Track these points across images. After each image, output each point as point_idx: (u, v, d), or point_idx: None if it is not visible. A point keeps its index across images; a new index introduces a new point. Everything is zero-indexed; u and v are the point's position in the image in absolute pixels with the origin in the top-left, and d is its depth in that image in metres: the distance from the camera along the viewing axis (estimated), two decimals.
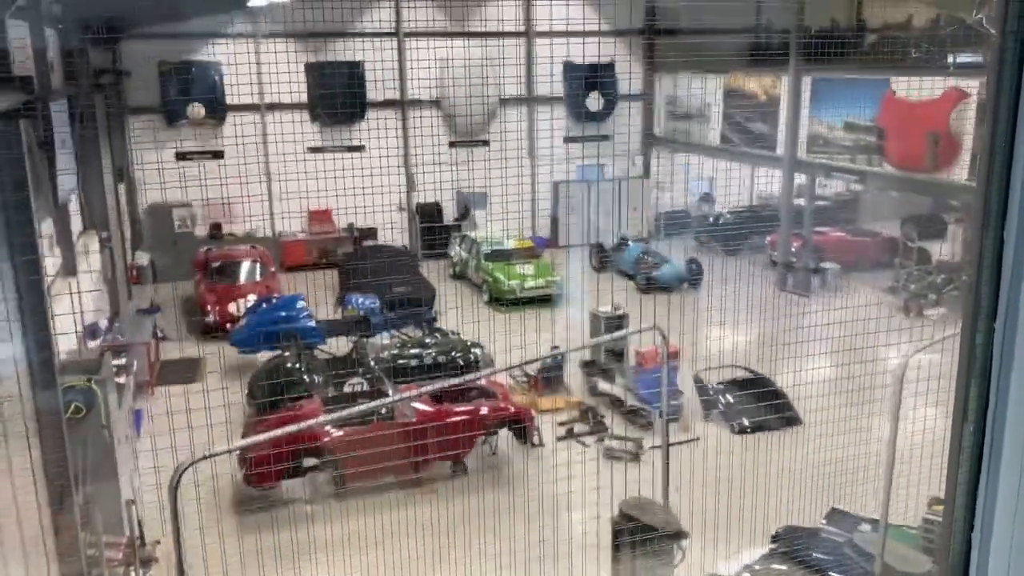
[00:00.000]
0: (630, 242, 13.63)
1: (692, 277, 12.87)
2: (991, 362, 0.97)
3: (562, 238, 15.28)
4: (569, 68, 15.08)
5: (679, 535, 4.68)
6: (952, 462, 1.01)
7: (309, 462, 7.63)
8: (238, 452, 7.42)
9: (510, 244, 13.05)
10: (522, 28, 14.72)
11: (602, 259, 13.59)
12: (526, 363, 9.26)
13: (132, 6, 10.89)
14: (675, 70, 15.32)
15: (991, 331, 0.96)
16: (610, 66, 15.25)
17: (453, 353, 9.67)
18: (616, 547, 4.82)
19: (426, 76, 13.99)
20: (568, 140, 15.04)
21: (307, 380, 8.91)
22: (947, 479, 1.02)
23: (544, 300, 12.28)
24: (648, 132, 16.27)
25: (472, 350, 9.70)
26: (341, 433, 7.72)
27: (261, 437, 6.11)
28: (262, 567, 5.88)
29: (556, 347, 9.28)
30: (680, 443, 8.01)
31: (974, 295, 0.96)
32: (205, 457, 3.69)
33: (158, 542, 5.56)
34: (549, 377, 9.68)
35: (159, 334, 10.79)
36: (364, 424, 7.74)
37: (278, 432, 5.80)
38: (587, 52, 13.93)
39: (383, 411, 8.00)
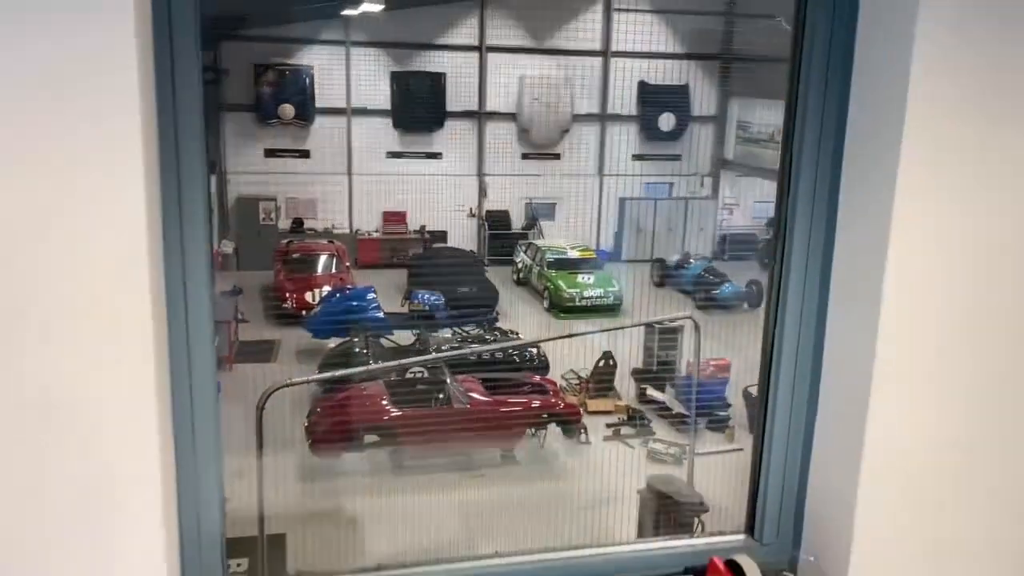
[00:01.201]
0: (692, 260, 14.19)
1: (752, 297, 13.34)
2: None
3: (625, 252, 15.95)
4: (643, 88, 15.79)
5: (700, 506, 5.28)
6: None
7: (370, 438, 8.48)
8: (305, 423, 8.35)
9: (573, 254, 13.78)
10: (600, 47, 15.52)
11: (663, 275, 14.19)
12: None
13: (236, 9, 12.03)
14: (748, 96, 15.84)
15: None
16: (684, 88, 15.89)
17: (510, 351, 10.44)
18: (640, 516, 5.46)
19: (504, 90, 14.88)
20: (637, 158, 15.73)
21: (371, 364, 9.81)
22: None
23: (602, 309, 12.94)
24: (718, 155, 16.81)
25: (528, 349, 10.46)
26: (401, 413, 8.57)
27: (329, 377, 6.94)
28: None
29: (607, 352, 9.97)
30: (723, 452, 8.55)
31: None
32: (287, 384, 4.46)
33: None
34: (600, 380, 10.34)
35: (239, 316, 11.86)
36: (423, 407, 8.57)
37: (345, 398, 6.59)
38: (662, 73, 14.59)
39: (440, 396, 8.83)
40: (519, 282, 14.60)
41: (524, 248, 14.65)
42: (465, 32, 15.15)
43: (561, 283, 13.22)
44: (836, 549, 1.55)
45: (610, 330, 11.13)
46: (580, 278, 13.34)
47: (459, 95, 15.15)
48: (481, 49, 15.35)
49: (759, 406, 1.63)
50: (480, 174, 15.80)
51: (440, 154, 15.00)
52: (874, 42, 1.41)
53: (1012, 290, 1.45)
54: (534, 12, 14.80)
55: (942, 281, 1.42)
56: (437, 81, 15.31)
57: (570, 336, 9.91)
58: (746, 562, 1.52)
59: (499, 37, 15.14)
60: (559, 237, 14.63)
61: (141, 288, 1.24)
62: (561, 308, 13.00)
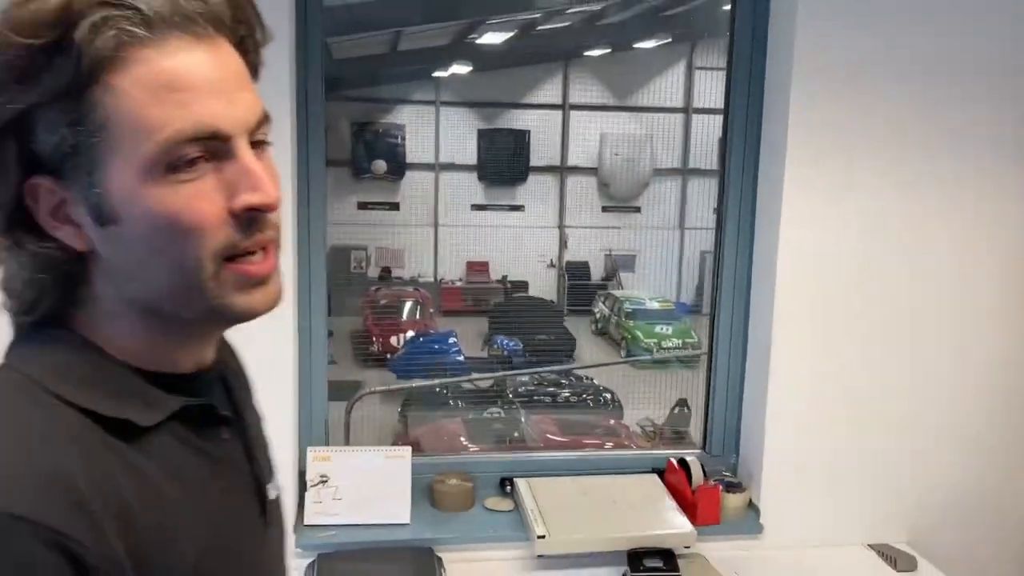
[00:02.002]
0: None
1: None
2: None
3: (706, 305, 16.41)
4: (724, 143, 16.43)
5: None
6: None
7: None
8: None
9: (652, 305, 14.39)
10: (681, 104, 16.31)
11: None
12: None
13: (338, 72, 13.37)
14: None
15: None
16: None
17: (584, 395, 11.09)
18: None
19: (586, 145, 15.79)
20: (718, 214, 16.29)
21: (451, 404, 10.64)
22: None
23: (681, 360, 13.46)
24: None
25: (603, 394, 11.09)
26: (478, 448, 9.31)
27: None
28: None
29: (683, 400, 10.48)
30: None
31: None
32: (372, 392, 5.22)
33: None
34: (675, 429, 10.85)
35: (330, 358, 12.91)
36: (499, 444, 9.32)
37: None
38: None
39: (515, 434, 9.55)
40: (597, 332, 15.24)
41: (603, 299, 15.33)
42: (549, 91, 16.21)
43: (639, 333, 13.82)
44: (755, 457, 2.22)
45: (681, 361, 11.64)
46: (658, 328, 13.92)
47: (542, 150, 16.14)
48: (564, 107, 16.36)
49: (708, 352, 2.33)
50: (561, 226, 16.67)
51: (523, 207, 15.94)
52: (774, 81, 2.14)
53: (880, 265, 2.12)
54: (616, 71, 15.75)
55: (824, 255, 2.11)
56: (521, 138, 16.37)
57: (624, 362, 10.48)
58: (692, 460, 2.21)
59: (582, 96, 16.12)
60: (638, 289, 15.26)
61: (286, 330, 2.00)
62: (640, 361, 13.57)
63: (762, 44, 2.15)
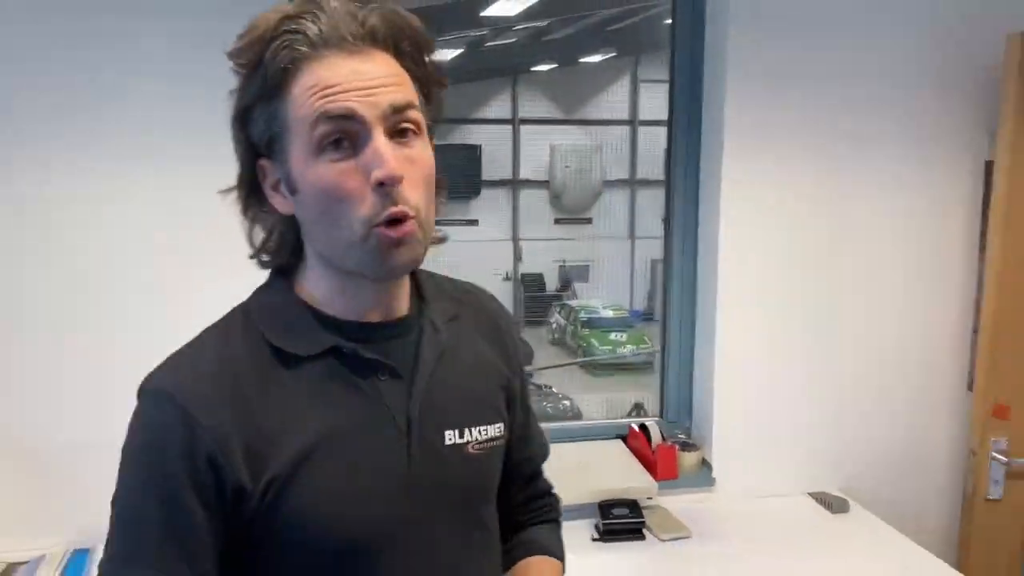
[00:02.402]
0: None
1: None
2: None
3: (657, 312, 16.90)
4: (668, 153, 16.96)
5: None
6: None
7: None
8: None
9: (606, 314, 14.80)
10: (628, 116, 16.84)
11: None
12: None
13: None
14: None
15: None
16: None
17: (544, 403, 11.41)
18: None
19: (537, 158, 16.19)
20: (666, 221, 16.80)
21: None
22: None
23: (636, 366, 13.87)
24: None
25: (562, 401, 11.43)
26: None
27: None
28: None
29: (638, 403, 10.87)
30: None
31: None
32: None
33: None
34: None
35: None
36: None
37: None
38: None
39: None
40: (554, 342, 15.62)
41: (558, 309, 15.72)
42: (498, 106, 16.60)
43: (594, 341, 14.21)
44: (706, 421, 2.55)
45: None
46: (613, 335, 14.33)
47: (494, 164, 16.51)
48: (514, 121, 16.77)
49: (661, 336, 2.66)
50: (515, 239, 17.03)
51: (477, 221, 16.27)
52: (711, 92, 2.48)
53: (808, 253, 2.47)
54: (564, 86, 16.21)
55: (760, 247, 2.45)
56: (473, 152, 16.72)
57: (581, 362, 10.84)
58: (651, 425, 2.53)
59: (531, 110, 16.54)
60: (592, 298, 15.66)
61: None
62: (595, 365, 13.95)
63: (699, 58, 2.49)
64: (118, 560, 0.89)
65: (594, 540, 2.26)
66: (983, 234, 2.48)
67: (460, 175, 17.08)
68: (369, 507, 0.93)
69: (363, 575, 0.94)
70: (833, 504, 2.47)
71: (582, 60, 16.78)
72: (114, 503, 0.90)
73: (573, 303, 15.62)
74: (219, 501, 0.88)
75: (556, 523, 1.30)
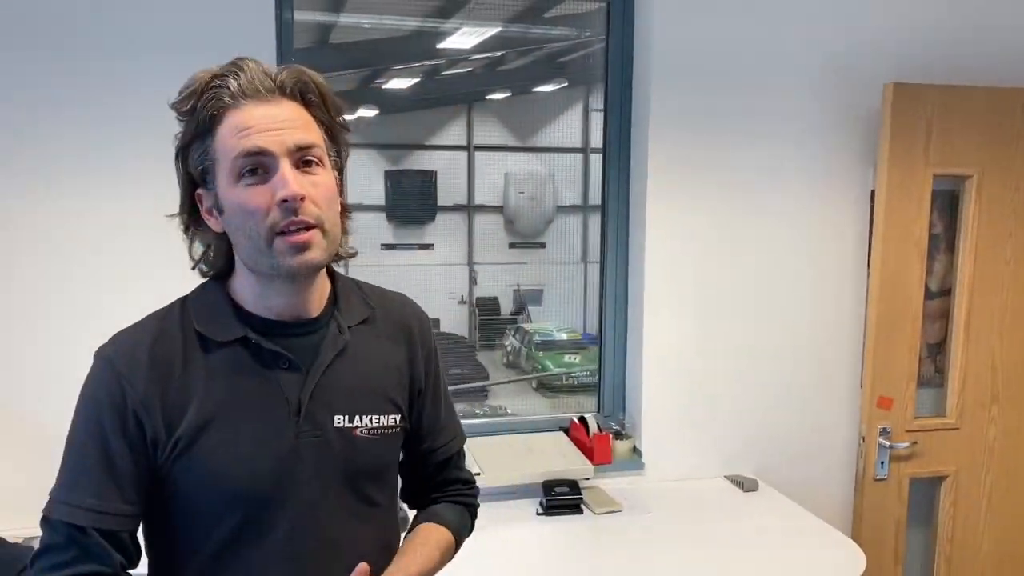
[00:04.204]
0: None
1: None
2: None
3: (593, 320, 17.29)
4: (603, 178, 17.48)
5: None
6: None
7: None
8: None
9: (560, 336, 15.21)
10: (580, 144, 17.39)
11: None
12: None
13: None
14: None
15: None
16: None
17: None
18: None
19: (491, 184, 16.63)
20: (602, 239, 17.28)
21: None
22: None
23: (590, 387, 14.24)
24: None
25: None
26: None
27: None
28: None
29: (582, 417, 11.29)
30: None
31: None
32: None
33: None
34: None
35: None
36: None
37: None
38: None
39: None
40: (509, 364, 15.94)
41: (513, 332, 16.07)
42: (454, 133, 17.03)
43: (548, 363, 14.58)
44: (636, 414, 2.95)
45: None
46: (567, 358, 14.71)
47: (449, 190, 16.86)
48: (469, 148, 17.17)
49: (598, 335, 3.06)
50: (470, 263, 17.39)
51: (432, 245, 16.59)
52: (639, 121, 2.91)
53: (721, 264, 2.91)
54: (518, 114, 16.70)
55: (679, 261, 2.88)
56: (428, 178, 17.05)
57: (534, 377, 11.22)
58: (589, 417, 2.93)
59: (486, 137, 16.98)
60: (546, 321, 16.07)
61: None
62: (549, 387, 14.32)
63: (628, 94, 2.92)
64: (64, 487, 1.10)
65: (539, 514, 2.64)
66: (870, 252, 2.94)
67: (416, 200, 17.46)
68: (253, 467, 1.11)
69: (252, 524, 1.12)
70: (745, 484, 2.88)
71: (535, 89, 17.33)
72: (66, 442, 1.12)
73: (528, 326, 16.00)
74: (142, 446, 1.10)
75: (463, 505, 1.42)
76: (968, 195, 2.92)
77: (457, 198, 17.38)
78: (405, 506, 1.46)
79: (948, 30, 2.93)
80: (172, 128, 1.12)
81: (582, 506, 2.67)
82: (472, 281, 17.69)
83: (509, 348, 16.62)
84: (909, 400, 2.91)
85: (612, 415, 3.06)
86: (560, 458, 2.83)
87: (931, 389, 3.05)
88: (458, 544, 1.38)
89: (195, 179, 1.13)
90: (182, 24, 2.37)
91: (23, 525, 2.35)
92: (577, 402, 12.96)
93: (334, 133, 1.16)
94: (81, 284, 2.41)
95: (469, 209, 17.69)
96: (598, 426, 2.92)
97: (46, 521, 1.10)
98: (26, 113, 2.32)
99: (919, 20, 2.92)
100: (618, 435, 2.94)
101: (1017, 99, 2.86)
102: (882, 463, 2.91)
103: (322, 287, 1.21)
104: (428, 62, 14.36)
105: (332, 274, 1.27)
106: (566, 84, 17.09)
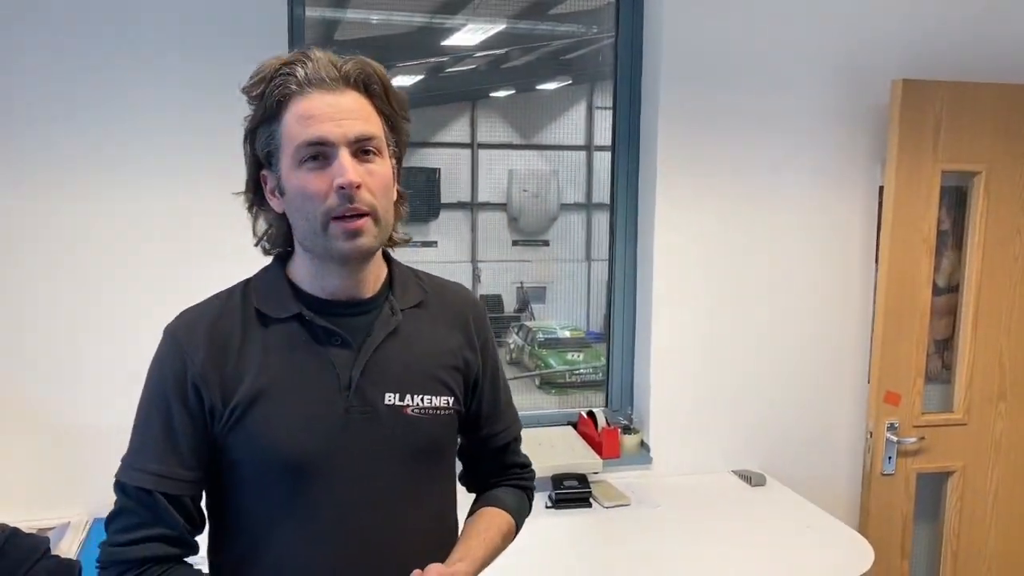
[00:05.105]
0: None
1: None
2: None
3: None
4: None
5: None
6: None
7: None
8: None
9: (563, 334, 15.23)
10: (583, 142, 17.39)
11: None
12: None
13: None
14: None
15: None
16: None
17: None
18: None
19: (495, 182, 16.64)
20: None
21: None
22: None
23: (592, 385, 14.28)
24: None
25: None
26: None
27: None
28: None
29: (591, 411, 11.30)
30: None
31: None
32: None
33: None
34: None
35: None
36: None
37: None
38: None
39: None
40: (512, 362, 15.96)
41: (516, 330, 16.09)
42: (458, 131, 17.04)
43: (552, 361, 14.60)
44: (645, 408, 2.97)
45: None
46: (570, 356, 14.73)
47: (453, 187, 16.87)
48: (473, 146, 17.18)
49: (605, 331, 3.08)
50: (473, 260, 17.41)
51: (435, 242, 16.61)
52: (647, 119, 2.92)
53: (730, 261, 2.92)
54: (522, 111, 16.70)
55: (688, 257, 2.89)
56: (432, 175, 17.07)
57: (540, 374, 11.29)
58: (598, 412, 2.94)
59: (490, 135, 16.99)
60: (550, 319, 16.09)
61: None
62: (553, 384, 14.33)
63: (638, 91, 2.94)
64: (132, 453, 1.17)
65: (548, 507, 2.66)
66: (878, 247, 2.95)
67: (419, 197, 17.47)
68: (302, 439, 1.15)
69: (301, 496, 1.16)
70: (752, 478, 2.90)
71: (539, 87, 17.34)
72: (136, 411, 1.19)
73: (531, 324, 16.02)
74: (201, 415, 1.16)
75: (522, 488, 1.47)
76: (976, 191, 2.93)
77: (461, 195, 17.39)
78: None
79: (957, 26, 2.95)
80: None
81: (591, 500, 2.69)
82: (475, 278, 17.70)
83: (512, 346, 16.63)
84: (917, 396, 2.92)
85: (620, 410, 3.08)
86: (569, 452, 2.84)
87: (939, 385, 3.06)
88: (518, 527, 1.42)
89: (261, 160, 1.18)
90: (196, 20, 2.38)
91: (38, 516, 2.39)
92: (582, 398, 12.98)
93: (394, 124, 1.21)
94: (82, 284, 2.43)
95: (473, 206, 17.69)
96: (606, 420, 2.94)
97: (118, 484, 1.16)
98: (63, 107, 2.33)
99: (928, 16, 2.93)
100: (626, 430, 2.96)
101: None
102: (889, 458, 2.93)
103: (377, 271, 1.25)
104: (432, 59, 14.37)
105: (389, 259, 1.31)
106: (570, 82, 17.06)
